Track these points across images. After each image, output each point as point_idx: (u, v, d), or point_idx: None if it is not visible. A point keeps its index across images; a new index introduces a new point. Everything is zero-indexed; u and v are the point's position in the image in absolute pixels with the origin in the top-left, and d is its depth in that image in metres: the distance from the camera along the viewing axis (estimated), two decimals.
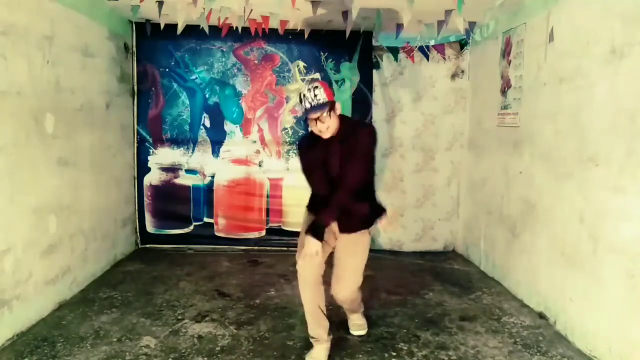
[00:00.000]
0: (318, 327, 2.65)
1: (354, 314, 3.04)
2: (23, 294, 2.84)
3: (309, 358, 2.64)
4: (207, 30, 3.83)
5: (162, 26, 4.03)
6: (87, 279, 3.69)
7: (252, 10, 3.66)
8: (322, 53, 4.68)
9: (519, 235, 3.58)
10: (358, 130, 2.57)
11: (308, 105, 2.41)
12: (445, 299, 3.57)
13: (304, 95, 2.42)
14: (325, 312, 2.66)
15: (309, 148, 2.62)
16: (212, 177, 4.81)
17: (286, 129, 4.80)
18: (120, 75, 4.32)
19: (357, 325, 3.02)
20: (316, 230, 2.49)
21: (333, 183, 2.54)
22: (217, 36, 4.32)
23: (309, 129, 2.57)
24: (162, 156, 4.74)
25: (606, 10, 2.61)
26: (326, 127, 2.43)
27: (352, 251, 2.69)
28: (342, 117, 2.55)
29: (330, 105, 2.41)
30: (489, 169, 4.21)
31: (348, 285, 2.70)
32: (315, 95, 2.39)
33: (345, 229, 2.65)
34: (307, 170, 2.67)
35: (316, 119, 2.41)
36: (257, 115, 4.78)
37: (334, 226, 2.65)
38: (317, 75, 4.70)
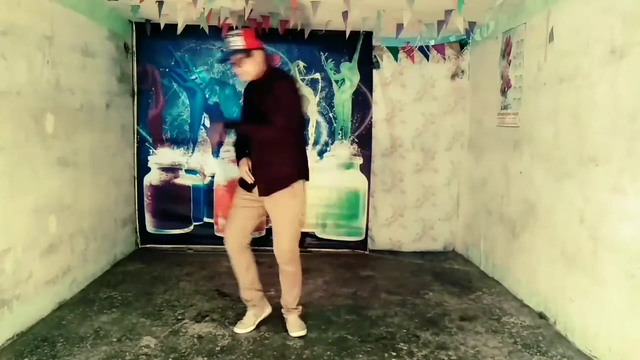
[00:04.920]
0: (249, 290, 2.97)
1: (289, 314, 2.99)
2: (23, 294, 2.84)
3: (238, 324, 2.95)
4: (207, 30, 3.83)
5: (162, 26, 4.03)
6: (87, 279, 3.69)
7: (252, 10, 3.66)
8: (322, 53, 4.67)
9: (519, 235, 3.58)
10: (275, 82, 2.76)
11: (225, 49, 2.75)
12: (445, 299, 3.57)
13: (226, 39, 2.73)
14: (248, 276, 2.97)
15: (248, 85, 2.92)
16: (212, 177, 4.81)
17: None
18: (120, 75, 4.32)
19: (294, 326, 2.94)
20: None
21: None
22: (217, 36, 4.32)
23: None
24: (162, 156, 4.74)
25: (606, 10, 2.61)
26: (242, 71, 2.74)
27: (275, 214, 2.85)
28: (272, 69, 2.87)
29: (247, 52, 2.68)
30: (489, 169, 4.21)
31: (277, 240, 2.89)
32: (233, 40, 2.68)
33: (262, 191, 2.81)
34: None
35: (233, 62, 2.73)
36: None
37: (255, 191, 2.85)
38: (317, 76, 4.70)
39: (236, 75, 2.94)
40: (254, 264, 3.01)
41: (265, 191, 2.80)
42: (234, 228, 2.90)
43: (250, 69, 2.73)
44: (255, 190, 2.84)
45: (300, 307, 3.02)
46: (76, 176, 3.49)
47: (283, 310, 3.00)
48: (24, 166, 2.86)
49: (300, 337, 2.88)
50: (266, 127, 2.70)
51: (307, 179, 2.90)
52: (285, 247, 2.85)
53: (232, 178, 4.79)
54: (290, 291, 2.95)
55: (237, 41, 2.66)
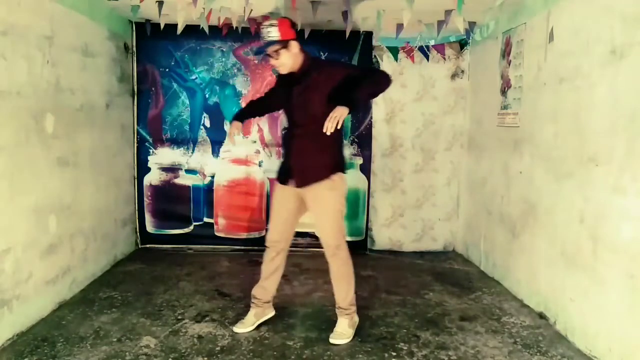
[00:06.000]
0: (263, 290, 2.98)
1: (340, 316, 2.90)
2: (23, 294, 2.84)
3: (238, 324, 2.94)
4: (207, 30, 3.83)
5: (162, 26, 4.04)
6: (87, 279, 3.69)
7: (252, 10, 3.66)
8: (322, 53, 4.67)
9: (519, 235, 3.58)
10: (319, 69, 2.70)
11: (262, 42, 2.63)
12: (445, 299, 3.57)
13: (261, 30, 2.62)
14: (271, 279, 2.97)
15: (282, 75, 2.81)
16: (212, 177, 4.81)
17: (286, 128, 4.79)
18: (120, 75, 4.32)
19: (336, 332, 2.84)
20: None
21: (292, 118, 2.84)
22: (217, 36, 4.32)
23: None
24: (162, 156, 4.74)
25: (606, 10, 2.61)
26: (279, 63, 2.67)
27: (315, 208, 2.77)
28: (310, 58, 2.77)
29: (283, 43, 2.60)
30: (489, 169, 4.21)
31: (321, 235, 2.84)
32: (269, 32, 2.59)
33: (298, 182, 2.74)
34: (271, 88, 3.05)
35: (268, 54, 2.65)
36: None
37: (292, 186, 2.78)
38: None
39: (275, 68, 2.80)
40: (281, 272, 2.99)
41: (302, 182, 2.72)
42: (274, 224, 2.89)
43: (287, 60, 2.66)
44: (292, 182, 2.76)
45: (352, 310, 2.89)
46: (76, 176, 3.49)
47: (337, 310, 2.91)
48: (24, 166, 2.86)
49: (302, 338, 2.87)
50: (377, 78, 2.68)
51: (345, 171, 2.82)
52: (330, 242, 2.77)
53: (233, 178, 4.80)
54: (338, 288, 2.86)
55: (272, 32, 2.57)
